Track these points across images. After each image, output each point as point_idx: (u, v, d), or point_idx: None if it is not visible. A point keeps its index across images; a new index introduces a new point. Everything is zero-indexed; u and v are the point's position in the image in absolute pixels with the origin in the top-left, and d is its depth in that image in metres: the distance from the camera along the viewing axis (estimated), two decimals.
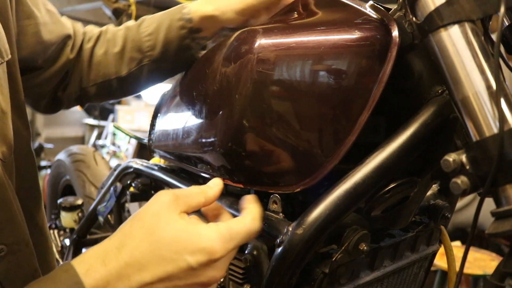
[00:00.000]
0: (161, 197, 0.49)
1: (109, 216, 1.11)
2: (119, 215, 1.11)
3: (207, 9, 0.76)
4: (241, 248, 0.62)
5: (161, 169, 0.90)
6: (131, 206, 1.23)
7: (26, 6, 0.76)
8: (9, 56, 0.66)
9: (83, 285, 0.42)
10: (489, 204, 0.44)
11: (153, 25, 0.82)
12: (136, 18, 5.09)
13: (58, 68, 0.83)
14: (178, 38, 0.78)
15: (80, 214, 1.50)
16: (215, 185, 0.56)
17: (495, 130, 0.42)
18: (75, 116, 6.80)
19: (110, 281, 0.43)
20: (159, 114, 0.88)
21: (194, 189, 0.53)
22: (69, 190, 1.96)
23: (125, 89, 0.88)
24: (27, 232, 0.66)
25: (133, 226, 0.47)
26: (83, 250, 1.28)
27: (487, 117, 0.43)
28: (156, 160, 1.03)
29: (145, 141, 0.97)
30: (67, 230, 1.56)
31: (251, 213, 0.52)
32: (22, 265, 0.65)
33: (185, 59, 0.80)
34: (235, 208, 0.63)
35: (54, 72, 0.81)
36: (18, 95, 0.70)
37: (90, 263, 0.44)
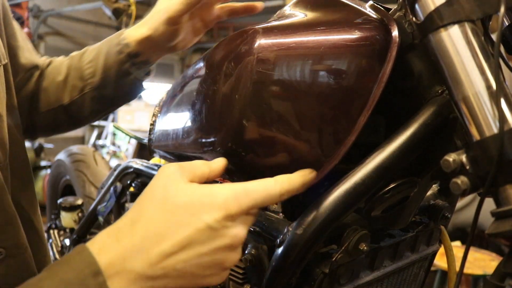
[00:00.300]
0: (166, 170, 0.47)
1: (109, 216, 1.11)
2: (119, 215, 1.11)
3: (142, 31, 0.78)
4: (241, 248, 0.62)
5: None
6: (131, 206, 1.22)
7: (10, 26, 0.79)
8: (6, 61, 0.67)
9: (98, 264, 0.40)
10: (489, 204, 0.44)
11: (93, 53, 0.83)
12: (136, 18, 5.11)
13: (22, 96, 0.83)
14: (117, 64, 0.80)
15: (80, 214, 1.50)
16: (219, 160, 0.55)
17: (495, 130, 0.42)
18: None
19: (126, 257, 0.41)
20: (159, 114, 0.88)
21: (199, 161, 0.52)
22: (69, 190, 1.97)
23: (71, 119, 0.87)
24: (25, 236, 0.66)
25: (144, 201, 0.46)
26: None
27: (487, 117, 0.43)
28: (156, 160, 1.03)
29: (145, 141, 0.97)
30: (67, 230, 1.56)
31: (275, 177, 0.49)
32: (21, 269, 0.65)
33: (127, 85, 0.82)
34: None
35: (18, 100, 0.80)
36: (12, 100, 0.70)
37: (103, 242, 0.43)
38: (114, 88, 0.81)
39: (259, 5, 0.79)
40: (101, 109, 0.88)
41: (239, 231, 0.45)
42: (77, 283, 0.39)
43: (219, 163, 0.53)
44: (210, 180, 0.51)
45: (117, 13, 4.81)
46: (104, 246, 0.42)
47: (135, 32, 0.79)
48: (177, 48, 0.83)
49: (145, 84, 0.83)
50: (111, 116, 5.97)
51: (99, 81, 0.81)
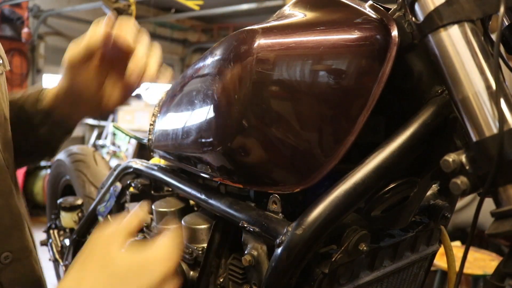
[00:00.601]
0: (103, 233, 0.51)
1: (109, 216, 1.11)
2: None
3: (57, 86, 0.73)
4: (241, 248, 0.62)
5: (161, 169, 0.90)
6: (131, 206, 1.23)
7: None
8: (8, 68, 0.67)
9: None
10: (489, 204, 0.44)
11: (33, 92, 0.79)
12: (136, 18, 5.10)
13: None
14: (30, 113, 0.74)
15: (80, 214, 1.49)
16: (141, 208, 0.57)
17: (495, 130, 0.42)
18: None
19: None
20: (159, 114, 0.88)
21: (127, 218, 0.54)
22: (69, 190, 1.96)
23: None
24: (30, 239, 0.66)
25: (86, 264, 0.48)
26: None
27: (487, 117, 0.43)
28: (156, 160, 1.03)
29: (145, 141, 0.97)
30: (67, 230, 1.56)
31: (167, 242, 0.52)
32: (27, 273, 0.65)
33: (34, 140, 0.77)
34: (235, 208, 0.63)
35: None
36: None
37: None
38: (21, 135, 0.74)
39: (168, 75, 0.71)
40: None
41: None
42: None
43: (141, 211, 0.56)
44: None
45: (117, 13, 4.81)
46: None
47: (52, 89, 0.74)
48: (97, 107, 0.72)
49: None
50: (111, 116, 5.97)
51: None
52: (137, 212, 0.56)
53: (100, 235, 0.51)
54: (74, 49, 0.68)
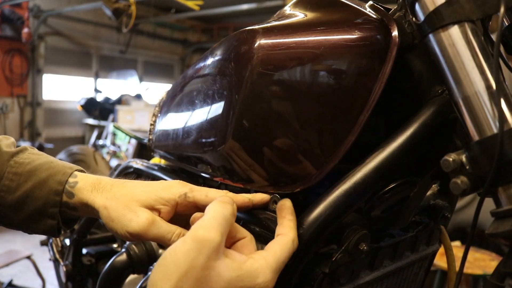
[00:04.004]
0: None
1: None
2: None
3: (98, 199, 0.58)
4: None
5: (161, 169, 0.90)
6: None
7: None
8: None
9: None
10: (489, 204, 0.44)
11: (28, 166, 0.61)
12: (136, 18, 5.10)
13: None
14: (43, 200, 0.59)
15: None
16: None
17: (495, 130, 0.42)
18: (75, 116, 6.80)
19: None
20: (159, 114, 0.88)
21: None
22: None
23: None
24: None
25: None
26: (83, 250, 1.28)
27: (487, 117, 0.43)
28: (156, 160, 1.03)
29: (145, 141, 0.97)
30: (67, 230, 1.56)
31: (291, 231, 0.49)
32: None
33: (38, 224, 0.61)
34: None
35: None
36: None
37: None
38: (23, 220, 0.61)
39: None
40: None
41: None
42: None
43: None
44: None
45: (117, 13, 4.81)
46: None
47: (90, 192, 0.59)
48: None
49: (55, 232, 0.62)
50: (111, 116, 5.97)
51: (11, 202, 0.60)
52: (224, 200, 0.48)
53: (184, 244, 0.42)
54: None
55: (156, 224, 0.54)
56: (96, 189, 0.59)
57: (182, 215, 0.59)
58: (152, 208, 0.56)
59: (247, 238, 0.51)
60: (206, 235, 0.42)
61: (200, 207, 0.57)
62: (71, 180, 0.60)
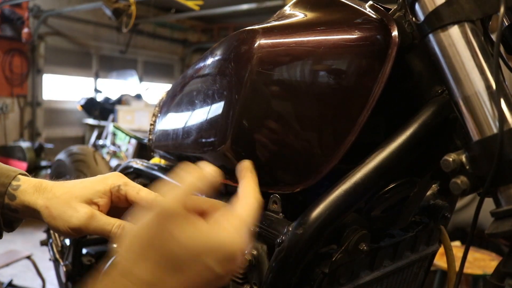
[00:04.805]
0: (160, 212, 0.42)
1: None
2: None
3: (38, 201, 0.60)
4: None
5: (161, 169, 0.90)
6: None
7: None
8: None
9: None
10: (489, 204, 0.44)
11: None
12: (136, 18, 5.10)
13: None
14: None
15: None
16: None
17: (495, 130, 0.42)
18: (75, 116, 6.80)
19: None
20: (159, 114, 0.88)
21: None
22: None
23: None
24: None
25: (140, 248, 0.41)
26: (83, 250, 1.28)
27: (487, 117, 0.43)
28: (156, 160, 1.03)
29: (145, 141, 0.97)
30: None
31: (253, 191, 0.46)
32: None
33: None
34: None
35: None
36: None
37: None
38: None
39: None
40: None
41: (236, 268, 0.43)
42: None
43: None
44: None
45: (117, 13, 4.81)
46: None
47: (32, 194, 0.61)
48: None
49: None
50: (111, 116, 5.97)
51: None
52: (203, 172, 0.44)
53: (156, 210, 0.41)
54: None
55: (95, 218, 0.57)
56: (37, 191, 0.61)
57: (121, 208, 0.61)
58: (91, 202, 0.58)
59: (220, 209, 0.47)
60: (165, 205, 0.41)
61: (131, 203, 0.59)
62: (14, 183, 0.62)
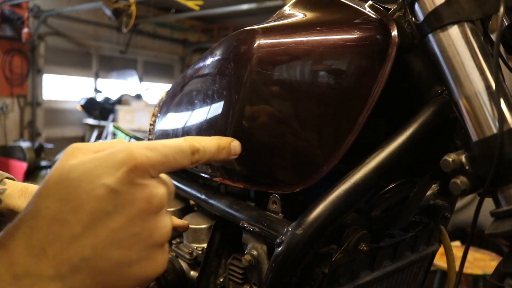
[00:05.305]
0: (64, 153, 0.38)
1: None
2: None
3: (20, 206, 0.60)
4: (241, 248, 0.62)
5: None
6: None
7: None
8: None
9: None
10: (489, 204, 0.44)
11: None
12: (136, 18, 5.10)
13: None
14: None
15: None
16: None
17: (495, 130, 0.42)
18: (75, 116, 6.80)
19: (20, 263, 0.32)
20: (159, 114, 0.88)
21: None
22: None
23: None
24: None
25: (35, 195, 0.35)
26: None
27: (487, 117, 0.43)
28: None
29: (145, 141, 0.97)
30: None
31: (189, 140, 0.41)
32: None
33: None
34: (235, 208, 0.63)
35: None
36: None
37: None
38: None
39: None
40: None
41: (154, 190, 0.35)
42: None
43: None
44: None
45: (117, 13, 4.81)
46: None
47: (17, 198, 0.60)
48: None
49: None
50: (111, 116, 5.97)
51: None
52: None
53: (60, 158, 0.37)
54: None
55: None
56: (23, 195, 0.61)
57: None
58: None
59: None
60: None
61: None
62: (0, 187, 0.62)
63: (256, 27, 0.57)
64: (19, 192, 0.61)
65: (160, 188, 0.36)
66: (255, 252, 0.59)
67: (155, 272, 0.36)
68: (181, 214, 0.82)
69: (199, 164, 0.42)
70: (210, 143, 0.42)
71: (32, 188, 0.62)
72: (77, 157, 0.36)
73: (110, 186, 0.33)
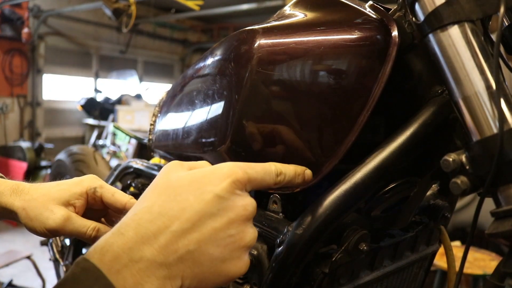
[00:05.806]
0: (167, 165, 0.47)
1: None
2: None
3: (16, 203, 0.61)
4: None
5: (161, 169, 0.90)
6: None
7: None
8: None
9: (107, 278, 0.35)
10: (489, 204, 0.44)
11: None
12: (136, 18, 5.10)
13: None
14: None
15: None
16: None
17: (495, 130, 0.42)
18: (75, 116, 6.80)
19: (132, 247, 0.37)
20: (159, 114, 0.88)
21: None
22: None
23: None
24: None
25: (146, 193, 0.44)
26: (83, 250, 1.28)
27: (487, 117, 0.43)
28: (157, 160, 1.03)
29: (145, 141, 0.97)
30: None
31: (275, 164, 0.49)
32: None
33: None
34: None
35: None
36: None
37: (105, 241, 0.38)
38: None
39: None
40: None
41: (249, 201, 0.43)
42: None
43: None
44: None
45: (117, 13, 4.81)
46: (105, 245, 0.37)
47: (9, 196, 0.62)
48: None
49: None
50: (111, 116, 5.97)
51: None
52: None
53: (164, 167, 0.46)
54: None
55: (71, 220, 0.59)
56: (14, 193, 0.62)
57: (97, 210, 0.64)
58: (67, 204, 0.60)
59: None
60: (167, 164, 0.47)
61: (107, 205, 0.62)
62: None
63: (256, 27, 0.57)
64: (10, 190, 0.62)
65: (252, 200, 0.44)
66: (255, 252, 0.59)
67: (240, 272, 0.42)
68: None
69: (279, 186, 0.49)
70: (289, 169, 0.50)
71: (24, 186, 0.63)
72: (178, 171, 0.44)
73: (216, 192, 0.41)
